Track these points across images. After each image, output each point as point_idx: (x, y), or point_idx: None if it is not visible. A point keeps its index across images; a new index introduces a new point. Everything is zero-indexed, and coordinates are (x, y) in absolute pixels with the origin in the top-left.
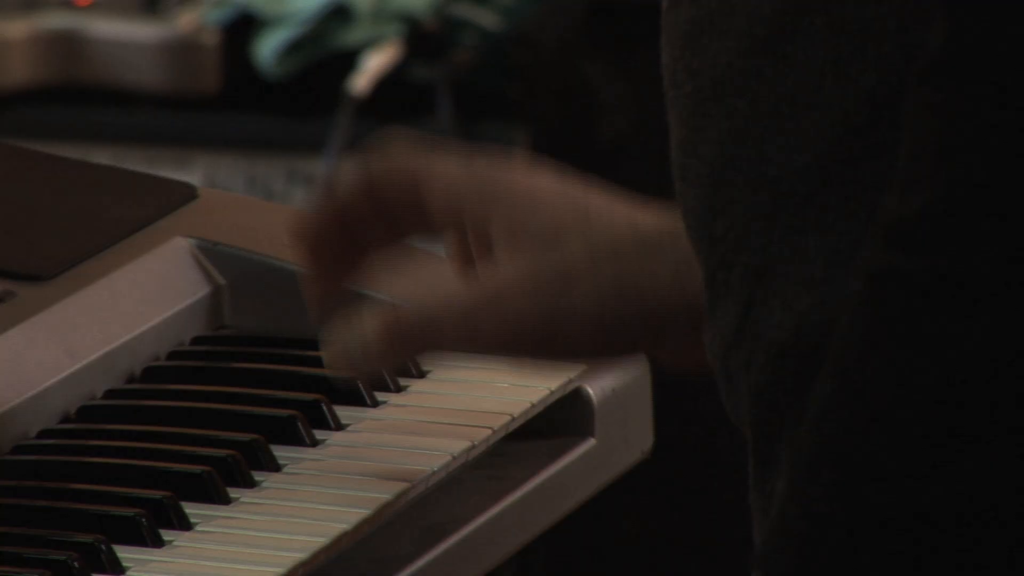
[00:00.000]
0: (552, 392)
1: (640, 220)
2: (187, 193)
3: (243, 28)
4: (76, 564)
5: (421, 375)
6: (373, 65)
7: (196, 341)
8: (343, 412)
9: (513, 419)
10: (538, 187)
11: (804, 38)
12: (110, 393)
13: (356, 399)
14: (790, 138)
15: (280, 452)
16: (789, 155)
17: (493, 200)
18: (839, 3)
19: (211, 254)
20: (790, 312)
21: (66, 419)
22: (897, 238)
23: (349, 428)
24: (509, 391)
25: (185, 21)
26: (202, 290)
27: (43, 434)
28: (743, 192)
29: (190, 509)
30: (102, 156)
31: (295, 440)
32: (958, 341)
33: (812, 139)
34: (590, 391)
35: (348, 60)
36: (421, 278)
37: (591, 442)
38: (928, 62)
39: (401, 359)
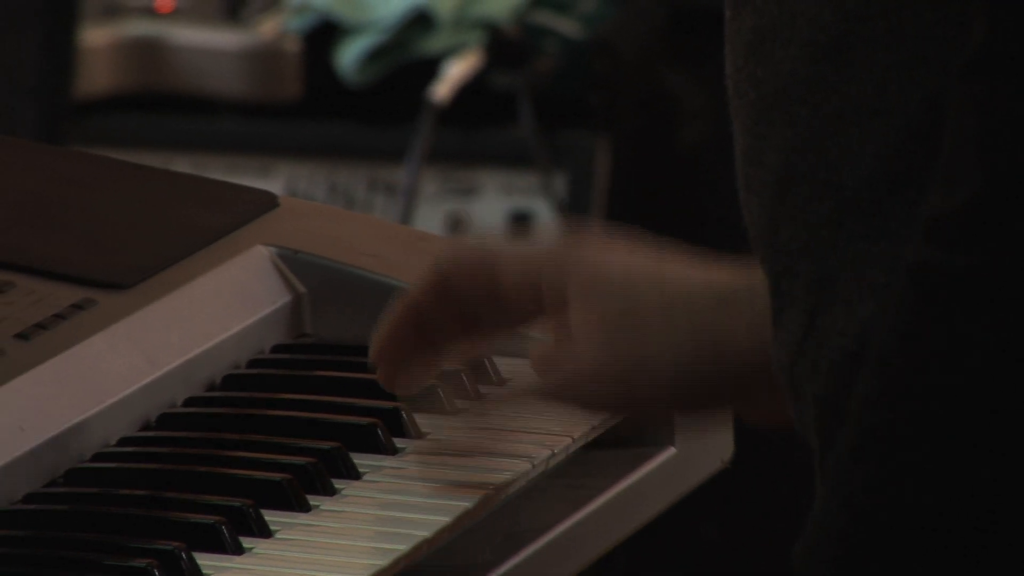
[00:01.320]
0: None
1: (715, 276)
2: (268, 201)
3: (324, 35)
4: (156, 571)
5: (502, 383)
6: (454, 73)
7: (276, 349)
8: (423, 420)
9: (593, 428)
10: (611, 250)
11: (866, 45)
12: (190, 401)
13: (436, 407)
14: (854, 145)
15: (360, 460)
16: (853, 162)
17: (568, 266)
18: (899, 9)
19: (291, 262)
20: (854, 319)
21: (146, 427)
22: (938, 233)
23: (429, 436)
24: None
25: (266, 28)
26: (282, 298)
27: (123, 442)
28: (807, 200)
29: (270, 517)
30: (183, 164)
31: (375, 448)
32: (997, 335)
33: (875, 145)
34: None
35: (429, 68)
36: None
37: (671, 451)
38: (968, 59)
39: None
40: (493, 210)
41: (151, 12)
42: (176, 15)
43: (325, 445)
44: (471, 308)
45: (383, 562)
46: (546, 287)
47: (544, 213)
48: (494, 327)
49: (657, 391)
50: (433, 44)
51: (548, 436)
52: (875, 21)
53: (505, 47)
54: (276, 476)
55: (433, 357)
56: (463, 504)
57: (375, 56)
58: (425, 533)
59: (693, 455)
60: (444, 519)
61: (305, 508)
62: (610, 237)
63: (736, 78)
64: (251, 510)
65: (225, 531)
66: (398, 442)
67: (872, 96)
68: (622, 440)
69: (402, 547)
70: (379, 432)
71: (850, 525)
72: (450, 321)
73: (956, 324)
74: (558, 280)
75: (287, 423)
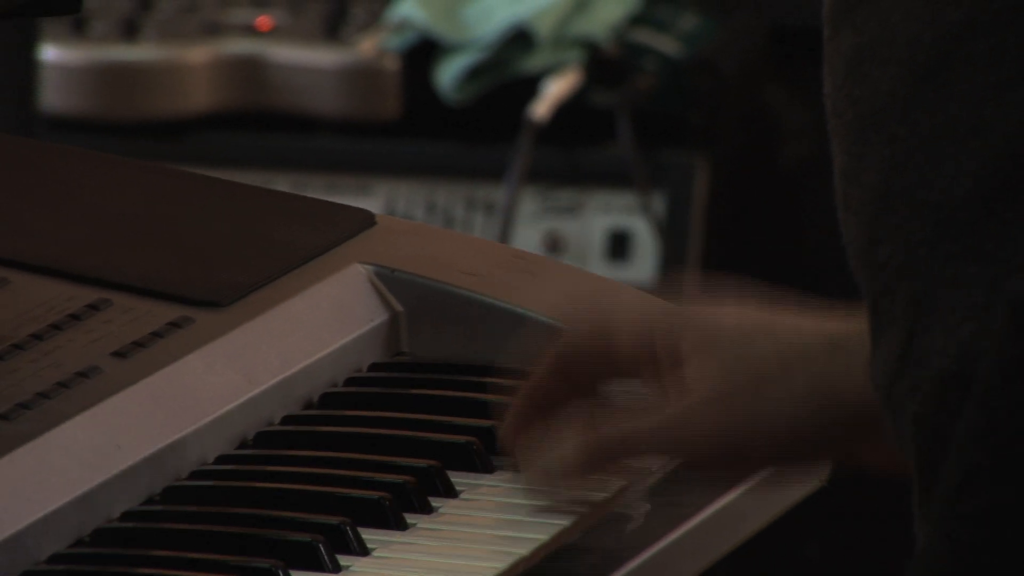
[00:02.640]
0: None
1: (828, 325)
2: (365, 220)
3: (424, 53)
4: None
5: None
6: (553, 91)
7: (373, 367)
8: None
9: None
10: (723, 308)
11: (965, 65)
12: (288, 419)
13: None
14: (952, 165)
15: (457, 478)
16: (951, 182)
17: (681, 320)
18: (999, 29)
19: (389, 281)
20: (953, 339)
21: (244, 445)
22: None
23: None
24: None
25: (365, 47)
26: (379, 317)
27: (221, 459)
28: (905, 219)
29: (367, 535)
30: (282, 182)
31: (472, 466)
32: None
33: (973, 165)
34: None
35: (529, 86)
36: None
37: (769, 469)
38: None
39: (600, 475)
40: (591, 229)
41: (251, 31)
42: (276, 33)
43: (422, 463)
44: (593, 384)
45: None
46: (661, 348)
47: (643, 232)
48: (609, 382)
49: (772, 449)
50: (533, 62)
51: None
52: (976, 41)
53: (604, 65)
54: (373, 494)
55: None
56: (561, 522)
57: (474, 74)
58: (522, 551)
59: (791, 473)
60: (541, 537)
61: (402, 526)
62: (718, 291)
63: (834, 97)
64: (348, 528)
65: (323, 549)
66: (496, 460)
67: (971, 115)
68: None
69: (499, 565)
70: (476, 450)
71: (955, 565)
72: (569, 397)
73: None
74: (672, 339)
75: (384, 441)
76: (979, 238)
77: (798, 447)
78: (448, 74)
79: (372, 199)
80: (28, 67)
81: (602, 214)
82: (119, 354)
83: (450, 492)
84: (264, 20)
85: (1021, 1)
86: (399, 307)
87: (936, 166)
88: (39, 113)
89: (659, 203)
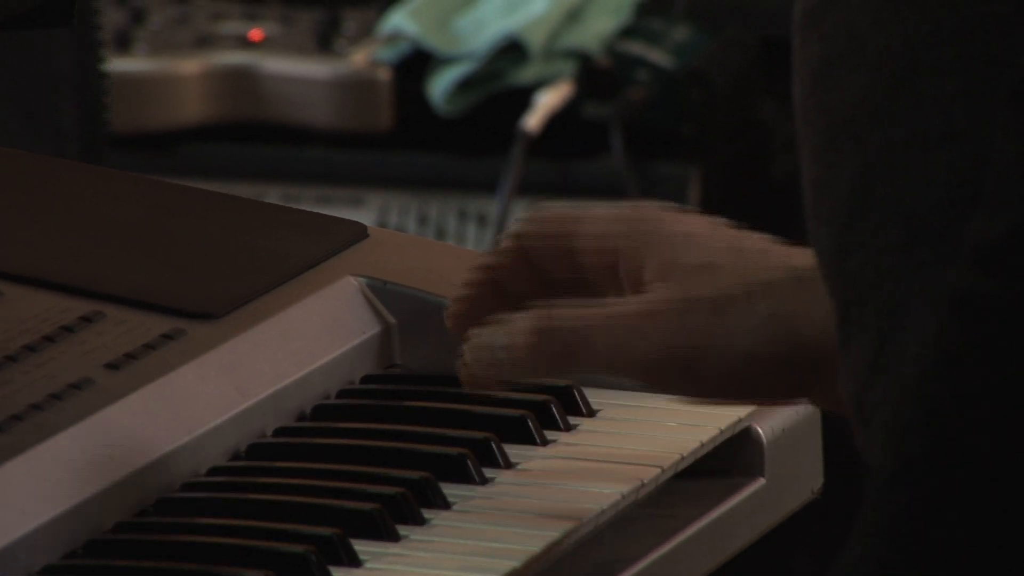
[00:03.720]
0: (722, 431)
1: (795, 259)
2: (357, 232)
3: (416, 65)
4: None
5: (591, 414)
6: (545, 103)
7: (366, 380)
8: (512, 450)
9: (683, 458)
10: (691, 227)
11: (934, 72)
12: (280, 431)
13: (526, 438)
14: (922, 173)
15: (450, 490)
16: (922, 190)
17: (645, 240)
18: (967, 36)
19: (381, 293)
20: (925, 347)
21: (236, 456)
22: (982, 260)
23: (518, 466)
24: (679, 430)
25: (358, 58)
26: (372, 329)
27: (213, 471)
28: (876, 228)
29: (360, 546)
30: (274, 194)
31: (465, 478)
32: None
33: (944, 173)
34: (760, 430)
35: (521, 98)
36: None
37: (761, 482)
38: (1013, 86)
39: (545, 363)
40: None
41: (243, 42)
42: (268, 45)
43: (415, 475)
44: (548, 270)
45: None
46: (622, 257)
47: None
48: (571, 292)
49: (724, 371)
50: (525, 74)
51: (637, 467)
52: (943, 48)
53: (596, 77)
54: (366, 506)
55: (504, 308)
56: (552, 535)
57: (466, 86)
58: (514, 563)
59: (783, 485)
60: (533, 549)
61: (395, 538)
62: (687, 213)
63: (803, 106)
64: (341, 540)
65: (314, 560)
66: (488, 472)
67: (940, 123)
68: (711, 470)
69: None
70: (469, 462)
71: (888, 553)
72: (527, 284)
73: (998, 352)
74: (634, 250)
75: (377, 453)
76: (950, 245)
77: (751, 375)
78: (440, 86)
79: (364, 211)
80: (95, 81)
81: None
82: (112, 366)
83: (443, 504)
84: (256, 32)
85: (988, 8)
86: (392, 319)
87: (906, 174)
88: (107, 128)
89: None
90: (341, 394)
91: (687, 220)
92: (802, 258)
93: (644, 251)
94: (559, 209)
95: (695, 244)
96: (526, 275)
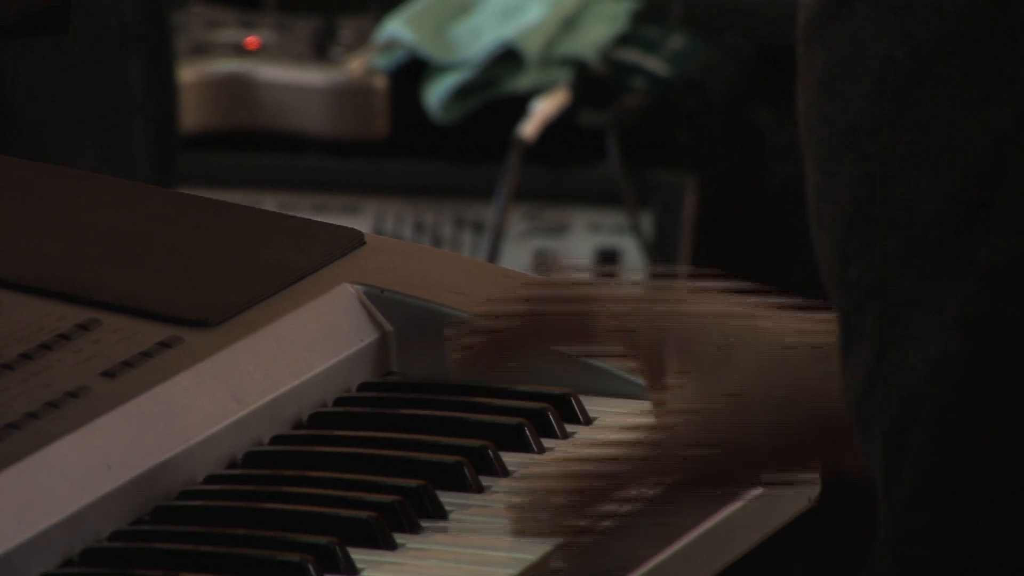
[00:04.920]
0: None
1: (809, 328)
2: (354, 239)
3: (412, 73)
4: None
5: (587, 422)
6: (542, 110)
7: (363, 387)
8: (509, 459)
9: None
10: (707, 308)
11: (936, 83)
12: (277, 439)
13: (523, 445)
14: (924, 183)
15: (446, 498)
16: (923, 200)
17: (664, 323)
18: (970, 47)
19: (378, 301)
20: (923, 357)
21: (233, 464)
22: (995, 283)
23: (515, 475)
24: None
25: (354, 66)
26: (369, 336)
27: (210, 479)
28: (877, 237)
29: (356, 555)
30: (270, 202)
31: (462, 486)
32: None
33: (946, 184)
34: None
35: (517, 105)
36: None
37: (758, 489)
38: (1021, 107)
39: (589, 510)
40: (580, 248)
41: (239, 50)
42: (264, 53)
43: (411, 483)
44: (562, 344)
45: None
46: (641, 339)
47: (632, 252)
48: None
49: (755, 462)
50: (521, 82)
51: None
52: (947, 59)
53: (592, 85)
54: (363, 514)
55: (513, 373)
56: (549, 542)
57: (462, 94)
58: (511, 571)
59: (780, 493)
60: (530, 557)
61: (391, 546)
62: (704, 286)
63: (807, 115)
64: (337, 548)
65: (311, 569)
66: (485, 480)
67: (942, 133)
68: None
69: None
70: (466, 470)
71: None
72: (534, 351)
73: (1012, 375)
74: (653, 332)
75: (374, 461)
76: (951, 256)
77: (780, 458)
78: (436, 94)
79: (361, 218)
80: (167, 88)
81: (591, 233)
82: (108, 374)
83: (439, 512)
84: (252, 40)
85: (991, 19)
86: (388, 327)
87: (908, 184)
88: (179, 134)
89: (648, 222)
90: (338, 402)
91: (703, 301)
92: (816, 328)
93: (662, 336)
94: (574, 285)
95: (711, 327)
96: (535, 344)
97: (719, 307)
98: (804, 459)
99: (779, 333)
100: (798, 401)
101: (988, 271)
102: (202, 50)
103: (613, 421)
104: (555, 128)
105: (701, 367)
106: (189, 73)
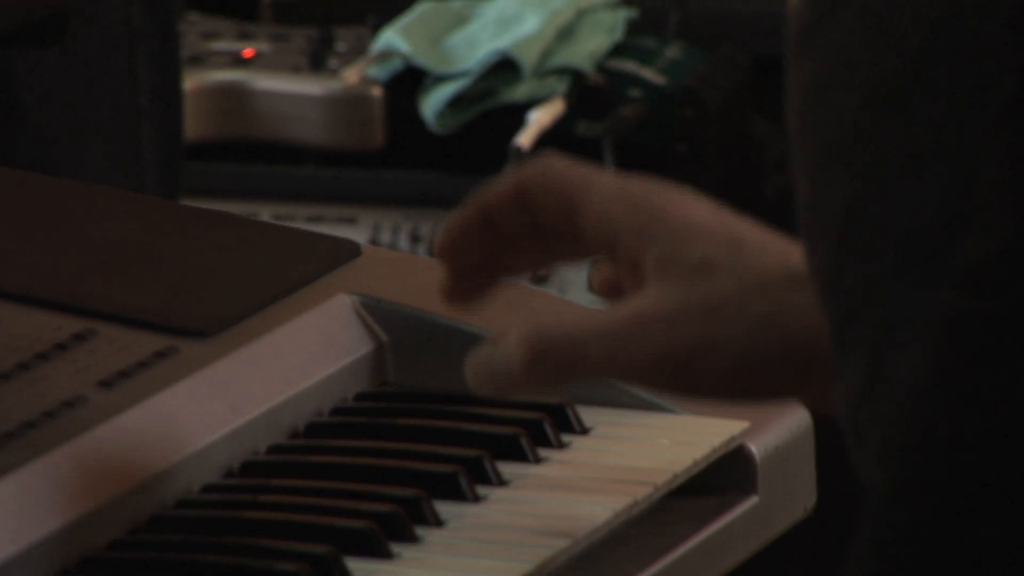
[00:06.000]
0: (715, 449)
1: (794, 256)
2: (350, 250)
3: (408, 83)
4: None
5: (583, 432)
6: (538, 120)
7: (359, 397)
8: (505, 468)
9: (676, 476)
10: (694, 217)
11: (925, 91)
12: (273, 449)
13: (518, 455)
14: (914, 192)
15: (442, 508)
16: (914, 208)
17: (648, 230)
18: (959, 54)
19: (374, 311)
20: (915, 365)
21: (229, 474)
22: (972, 281)
23: (511, 484)
24: (672, 448)
25: (350, 76)
26: (365, 347)
27: (206, 489)
28: (869, 247)
29: (353, 564)
30: (267, 212)
31: (457, 496)
32: None
33: (936, 192)
34: (753, 448)
35: (513, 115)
36: (565, 308)
37: (754, 499)
38: (1000, 105)
39: (545, 379)
40: None
41: (235, 60)
42: (260, 63)
43: (408, 492)
44: (546, 224)
45: None
46: (622, 245)
47: None
48: (563, 250)
49: (716, 375)
50: (517, 92)
51: (630, 485)
52: (935, 67)
53: (589, 95)
54: (359, 524)
55: (497, 265)
56: (545, 553)
57: (458, 104)
58: None
59: (776, 503)
60: (526, 567)
61: (387, 556)
62: (694, 197)
63: (797, 125)
64: (334, 558)
65: None
66: (481, 490)
67: (932, 141)
68: (705, 488)
69: None
70: (461, 480)
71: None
72: (521, 227)
73: (989, 371)
74: (635, 240)
75: (369, 471)
76: (943, 264)
77: (743, 375)
78: (433, 104)
79: (357, 229)
80: (174, 94)
81: None
82: (105, 384)
83: (435, 522)
84: (248, 49)
85: (980, 27)
86: (384, 337)
87: (899, 193)
88: (183, 139)
89: None
90: (334, 412)
91: (690, 209)
92: (799, 258)
93: (645, 240)
94: (566, 166)
95: (696, 238)
96: (522, 219)
97: (706, 219)
98: (774, 387)
99: (763, 255)
100: (772, 327)
101: (967, 270)
102: (198, 60)
103: (609, 431)
104: (551, 138)
105: (680, 276)
106: (185, 83)
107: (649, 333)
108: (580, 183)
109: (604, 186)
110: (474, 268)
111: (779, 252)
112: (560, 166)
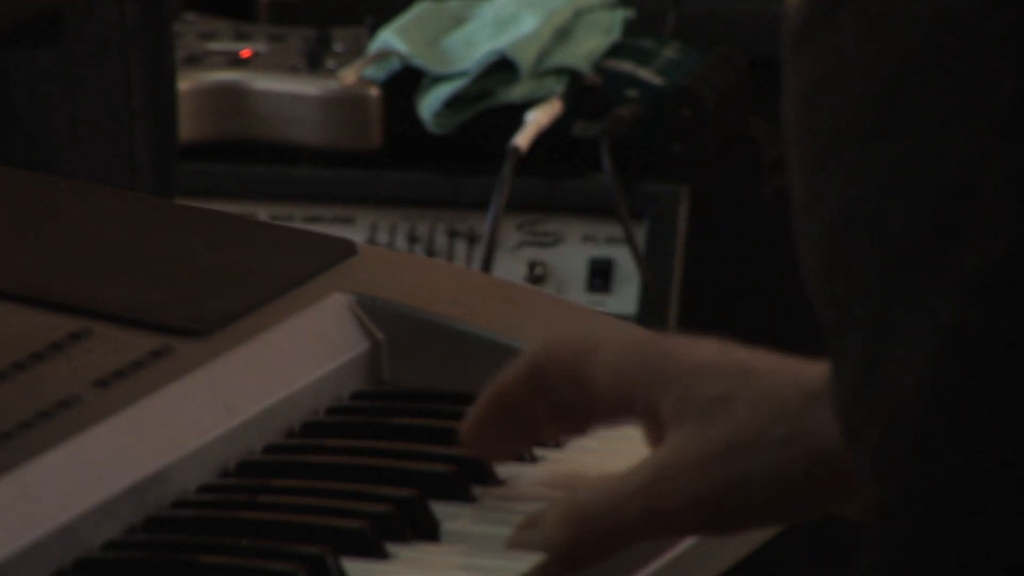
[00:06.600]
0: None
1: (805, 376)
2: (346, 249)
3: (406, 83)
4: None
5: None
6: (535, 120)
7: (355, 396)
8: (502, 468)
9: None
10: (700, 357)
11: (920, 94)
12: (269, 448)
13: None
14: (909, 194)
15: (439, 508)
16: (908, 211)
17: (659, 379)
18: (954, 57)
19: (370, 310)
20: (908, 369)
21: (225, 474)
22: (971, 292)
23: (508, 484)
24: None
25: (347, 76)
26: (361, 346)
27: (202, 489)
28: (864, 249)
29: (349, 564)
30: (264, 212)
31: (454, 496)
32: None
33: (931, 194)
34: None
35: (511, 115)
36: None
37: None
38: (997, 109)
39: (591, 552)
40: (574, 259)
41: (232, 60)
42: (257, 63)
43: (403, 493)
44: (561, 401)
45: None
46: (638, 400)
47: (625, 262)
48: (584, 420)
49: (749, 510)
50: (515, 92)
51: None
52: (930, 69)
53: (586, 95)
54: (355, 524)
55: (522, 443)
56: (541, 553)
57: (456, 104)
58: None
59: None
60: (523, 567)
61: (383, 556)
62: (698, 335)
63: (792, 127)
64: (330, 558)
65: None
66: (476, 490)
67: (927, 144)
68: None
69: None
70: (458, 480)
71: None
72: (540, 412)
73: (987, 383)
74: (649, 393)
75: (365, 470)
76: (936, 268)
77: (775, 505)
78: (430, 104)
79: (354, 229)
80: (168, 93)
81: (584, 244)
82: (101, 383)
83: (431, 522)
84: (246, 50)
85: (975, 30)
86: (381, 336)
87: (893, 196)
88: (177, 139)
89: (641, 233)
90: (330, 411)
91: (696, 349)
92: (812, 373)
93: (657, 388)
94: (571, 338)
95: (706, 376)
96: (537, 403)
97: (713, 356)
98: (806, 506)
99: (775, 379)
100: (796, 448)
101: (966, 280)
102: (196, 60)
103: (608, 431)
104: (548, 138)
105: (698, 416)
106: (182, 83)
107: (679, 483)
108: (585, 350)
109: (608, 348)
110: (500, 449)
111: (790, 372)
112: (563, 340)
